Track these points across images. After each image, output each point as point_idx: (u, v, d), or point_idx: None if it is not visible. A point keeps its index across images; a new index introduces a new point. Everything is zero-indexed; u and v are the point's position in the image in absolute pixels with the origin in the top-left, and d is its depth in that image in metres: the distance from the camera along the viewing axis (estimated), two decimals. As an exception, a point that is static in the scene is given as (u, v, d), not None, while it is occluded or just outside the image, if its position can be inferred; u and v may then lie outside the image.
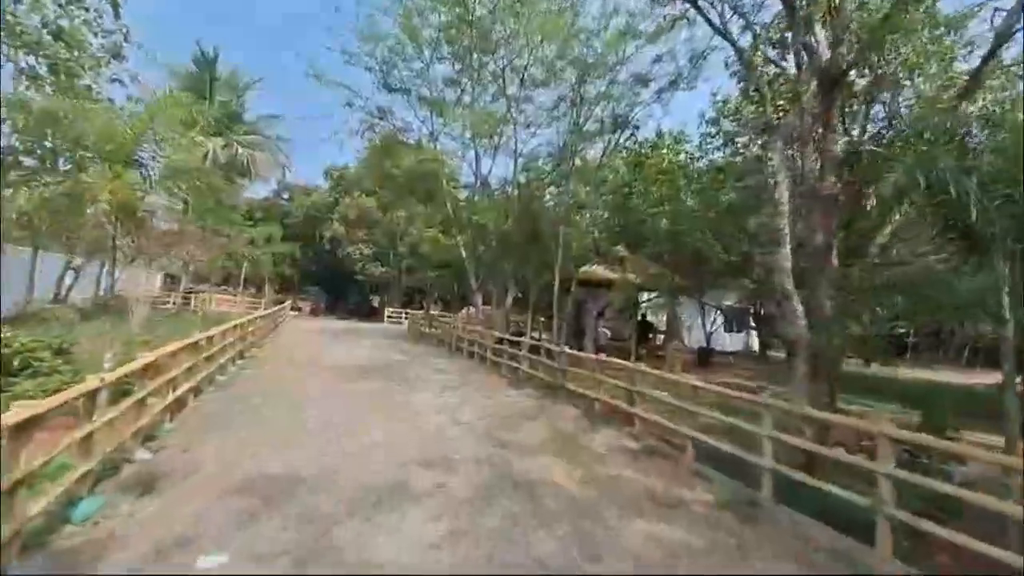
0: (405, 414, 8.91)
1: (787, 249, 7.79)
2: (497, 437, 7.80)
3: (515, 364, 14.64)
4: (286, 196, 47.92)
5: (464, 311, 38.02)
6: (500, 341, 16.06)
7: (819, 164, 8.00)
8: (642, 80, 15.00)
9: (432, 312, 39.05)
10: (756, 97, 12.10)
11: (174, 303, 32.72)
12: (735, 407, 7.18)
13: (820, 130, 8.01)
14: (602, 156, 16.75)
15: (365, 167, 37.93)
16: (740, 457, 6.39)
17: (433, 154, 20.65)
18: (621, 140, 16.48)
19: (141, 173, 18.58)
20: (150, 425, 6.67)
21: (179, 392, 8.22)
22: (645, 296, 31.33)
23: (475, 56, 18.00)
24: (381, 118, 19.03)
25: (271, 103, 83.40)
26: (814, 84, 8.04)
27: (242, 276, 22.64)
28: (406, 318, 38.03)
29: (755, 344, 33.64)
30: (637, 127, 16.14)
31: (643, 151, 15.93)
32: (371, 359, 16.11)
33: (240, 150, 33.98)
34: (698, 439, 7.26)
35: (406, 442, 7.25)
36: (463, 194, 24.47)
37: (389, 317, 39.15)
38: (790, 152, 9.89)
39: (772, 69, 11.77)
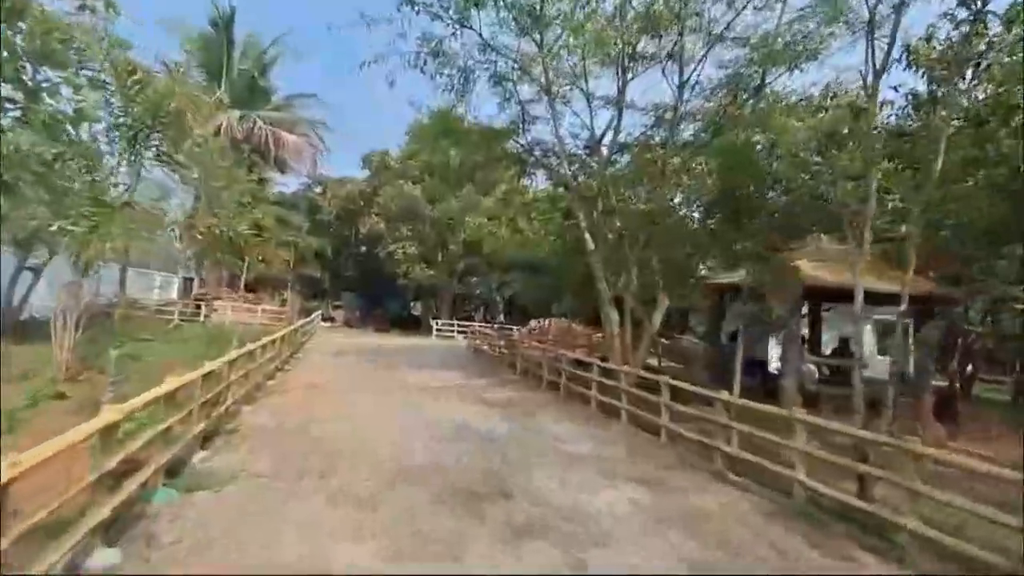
0: None
1: None
2: None
3: (731, 448, 7.13)
4: (318, 189, 41.64)
5: (533, 324, 30.67)
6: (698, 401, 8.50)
7: None
8: None
9: (480, 324, 31.81)
10: None
11: (181, 313, 26.47)
12: None
13: None
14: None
15: (416, 143, 31.19)
16: None
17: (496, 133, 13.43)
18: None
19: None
20: None
21: None
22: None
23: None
24: (461, 25, 11.75)
25: (303, 80, 77.26)
26: None
27: (243, 275, 15.68)
28: (460, 333, 30.89)
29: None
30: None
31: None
32: (437, 433, 8.71)
33: (260, 125, 27.57)
34: None
35: None
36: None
37: (438, 331, 32.08)
38: None
39: None
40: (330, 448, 7.30)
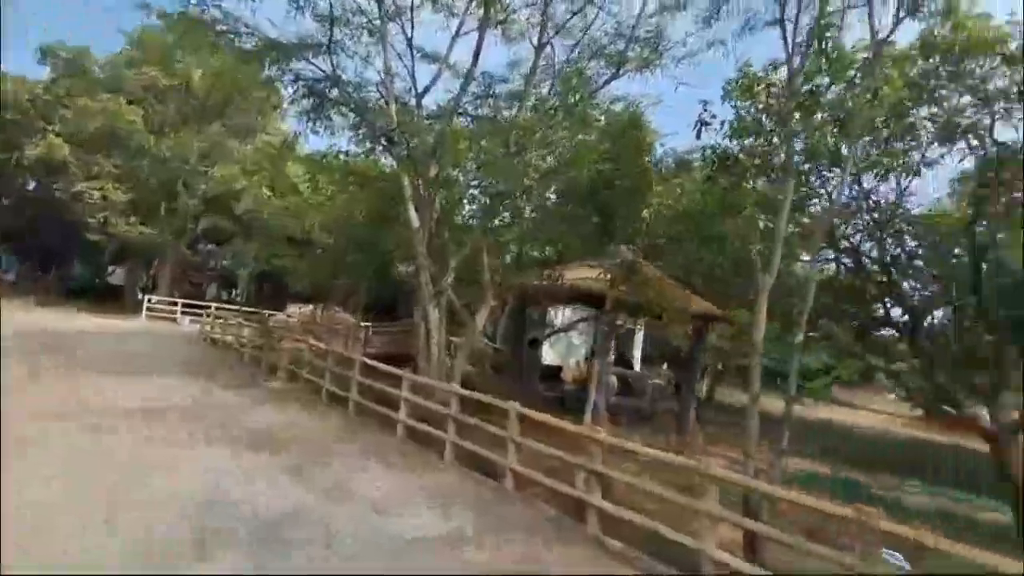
0: None
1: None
2: None
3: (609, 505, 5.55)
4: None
5: (292, 310, 25.56)
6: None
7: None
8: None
9: (219, 305, 25.28)
10: None
11: None
12: None
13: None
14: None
15: (141, 49, 22.68)
16: None
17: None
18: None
19: None
20: None
21: None
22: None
23: None
24: None
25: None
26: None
27: None
28: (187, 314, 23.62)
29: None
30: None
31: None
32: (166, 536, 4.73)
33: None
34: None
35: None
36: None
37: (151, 310, 23.97)
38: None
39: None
40: None
